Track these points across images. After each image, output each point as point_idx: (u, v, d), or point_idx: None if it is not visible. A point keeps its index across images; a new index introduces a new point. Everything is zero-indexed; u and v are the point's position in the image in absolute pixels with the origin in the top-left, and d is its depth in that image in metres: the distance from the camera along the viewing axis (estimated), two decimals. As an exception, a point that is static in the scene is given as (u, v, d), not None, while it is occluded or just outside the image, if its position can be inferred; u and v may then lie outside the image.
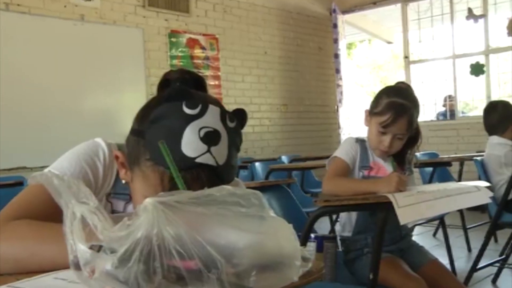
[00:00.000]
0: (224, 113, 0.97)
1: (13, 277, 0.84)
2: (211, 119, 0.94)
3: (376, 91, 2.28)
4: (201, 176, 0.91)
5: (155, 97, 1.01)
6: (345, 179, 2.11)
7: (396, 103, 2.07)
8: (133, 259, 0.61)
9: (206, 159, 0.91)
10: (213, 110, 0.95)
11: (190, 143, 0.91)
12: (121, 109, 5.89)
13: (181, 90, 0.97)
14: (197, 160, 0.90)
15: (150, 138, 0.93)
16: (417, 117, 2.13)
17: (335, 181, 2.09)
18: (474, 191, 1.83)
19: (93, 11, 5.84)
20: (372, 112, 2.14)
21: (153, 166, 0.93)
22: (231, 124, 0.97)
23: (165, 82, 1.06)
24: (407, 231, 2.24)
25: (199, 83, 1.07)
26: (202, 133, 0.92)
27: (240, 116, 1.00)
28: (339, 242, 2.22)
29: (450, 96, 8.06)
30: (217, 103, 0.99)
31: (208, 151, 0.91)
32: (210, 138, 0.92)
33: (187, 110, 0.93)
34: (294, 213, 2.46)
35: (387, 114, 2.06)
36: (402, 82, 2.29)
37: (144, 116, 0.97)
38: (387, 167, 2.17)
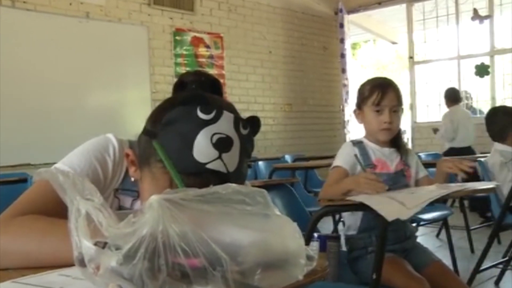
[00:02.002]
0: (238, 120, 0.96)
1: (18, 273, 0.84)
2: (224, 125, 0.93)
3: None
4: (210, 182, 0.89)
5: (170, 99, 1.01)
6: (333, 186, 2.13)
7: (380, 82, 2.24)
8: (138, 256, 0.61)
9: (217, 166, 0.90)
10: (227, 116, 0.94)
11: (202, 149, 0.90)
12: (125, 106, 5.91)
13: (197, 94, 0.96)
14: (208, 166, 0.90)
15: (162, 140, 0.93)
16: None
17: (327, 190, 2.14)
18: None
19: (98, 8, 5.85)
20: (361, 103, 2.24)
21: (163, 168, 0.93)
22: (244, 131, 0.96)
23: (181, 84, 1.05)
24: (412, 232, 2.24)
25: (215, 86, 1.06)
26: (214, 139, 0.91)
27: (253, 123, 0.99)
28: (343, 241, 2.23)
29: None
30: (232, 109, 0.98)
31: (219, 157, 0.90)
32: (222, 145, 0.91)
33: (201, 115, 0.92)
34: (297, 212, 2.46)
35: (375, 92, 2.18)
36: None
37: (158, 117, 0.96)
38: (389, 163, 2.20)
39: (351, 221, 2.22)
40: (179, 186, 0.84)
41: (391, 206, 1.70)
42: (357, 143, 2.25)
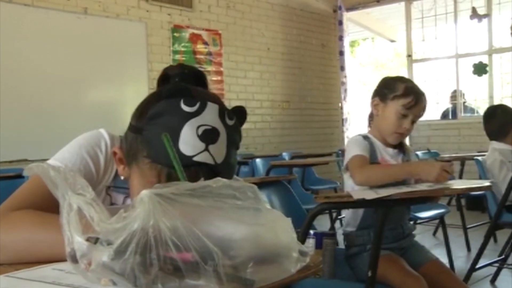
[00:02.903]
0: (223, 111, 0.95)
1: (11, 268, 0.84)
2: (209, 116, 0.92)
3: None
4: (199, 175, 0.88)
5: (153, 93, 1.00)
6: (379, 166, 2.10)
7: (415, 87, 2.19)
8: (129, 251, 0.61)
9: (204, 158, 0.90)
10: (211, 108, 0.94)
11: (188, 141, 0.89)
12: (122, 102, 5.89)
13: (180, 87, 0.96)
14: (195, 158, 0.89)
15: (148, 136, 0.92)
16: None
17: (369, 169, 2.08)
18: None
19: (96, 4, 5.84)
20: (388, 97, 2.16)
21: (150, 163, 0.93)
22: (230, 122, 0.96)
23: (165, 77, 1.05)
24: (410, 230, 2.23)
25: (199, 78, 1.05)
26: (200, 131, 0.90)
27: (239, 113, 0.99)
28: (342, 237, 2.22)
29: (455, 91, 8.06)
30: (217, 100, 0.97)
31: (206, 149, 0.90)
32: (208, 136, 0.91)
33: (185, 108, 0.91)
34: (294, 210, 2.45)
35: (410, 96, 2.12)
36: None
37: (143, 113, 0.96)
38: (393, 163, 2.18)
39: (351, 218, 2.20)
40: (181, 178, 0.82)
41: (365, 192, 1.86)
42: (366, 138, 2.19)
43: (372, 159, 2.14)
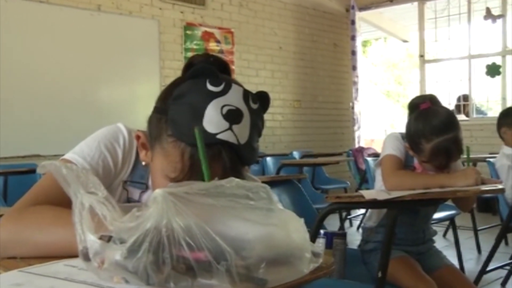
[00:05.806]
0: (247, 94, 0.96)
1: (24, 263, 0.84)
2: (234, 97, 0.93)
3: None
4: (222, 154, 0.90)
5: (179, 77, 1.02)
6: (412, 173, 2.04)
7: (440, 145, 1.93)
8: (142, 250, 0.61)
9: (228, 136, 0.90)
10: (236, 89, 0.95)
11: (212, 120, 0.90)
12: (134, 100, 5.92)
13: (205, 67, 0.96)
14: (219, 136, 0.90)
15: (173, 114, 0.93)
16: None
17: (401, 175, 2.00)
18: None
19: (109, 1, 5.86)
20: (420, 156, 2.01)
21: (174, 142, 0.94)
22: (254, 106, 0.96)
23: (190, 66, 1.06)
24: (431, 236, 2.21)
25: (223, 67, 1.06)
26: (224, 110, 0.91)
27: (262, 99, 0.99)
28: (351, 237, 2.21)
29: (464, 96, 7.97)
30: (240, 84, 0.98)
31: (230, 128, 0.91)
32: (232, 116, 0.91)
33: (211, 87, 0.93)
34: (304, 209, 2.45)
35: (438, 159, 1.95)
36: (423, 100, 2.08)
37: (168, 94, 0.97)
38: (429, 169, 2.07)
39: (374, 212, 2.18)
40: (206, 177, 0.82)
41: (378, 192, 1.87)
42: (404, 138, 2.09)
43: (408, 161, 2.08)
